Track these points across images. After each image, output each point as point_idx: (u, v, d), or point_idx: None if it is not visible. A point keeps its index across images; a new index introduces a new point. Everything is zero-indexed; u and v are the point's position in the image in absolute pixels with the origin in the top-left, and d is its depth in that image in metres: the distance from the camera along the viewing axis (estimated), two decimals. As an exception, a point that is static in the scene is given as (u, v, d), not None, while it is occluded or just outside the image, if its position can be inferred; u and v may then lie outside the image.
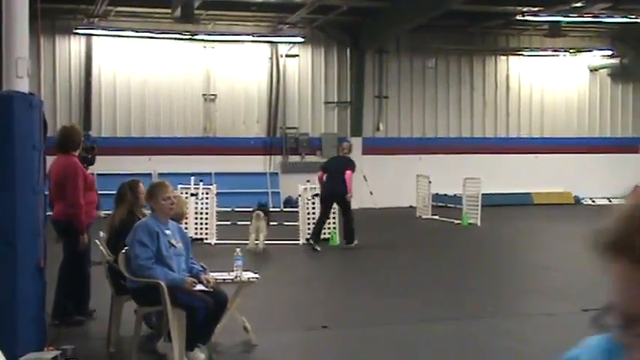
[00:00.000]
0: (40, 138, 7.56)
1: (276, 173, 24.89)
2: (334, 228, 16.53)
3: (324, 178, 16.19)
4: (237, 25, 24.21)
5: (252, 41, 24.50)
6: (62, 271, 8.92)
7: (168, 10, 21.87)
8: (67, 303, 8.77)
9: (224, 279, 7.99)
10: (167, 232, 7.60)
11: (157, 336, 7.87)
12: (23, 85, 7.48)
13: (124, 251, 7.58)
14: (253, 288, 8.27)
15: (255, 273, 8.25)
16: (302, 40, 24.66)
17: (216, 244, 15.95)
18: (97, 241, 8.49)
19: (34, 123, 7.57)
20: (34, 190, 7.52)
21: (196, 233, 16.26)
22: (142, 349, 7.71)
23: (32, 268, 7.46)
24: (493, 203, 21.91)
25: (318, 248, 15.57)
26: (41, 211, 7.65)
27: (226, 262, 8.15)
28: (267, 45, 24.91)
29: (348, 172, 15.95)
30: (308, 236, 16.22)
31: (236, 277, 8.03)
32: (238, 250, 8.20)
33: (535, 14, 22.52)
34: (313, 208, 16.61)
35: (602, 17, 22.49)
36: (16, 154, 7.43)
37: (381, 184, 24.96)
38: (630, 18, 22.51)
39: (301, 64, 25.43)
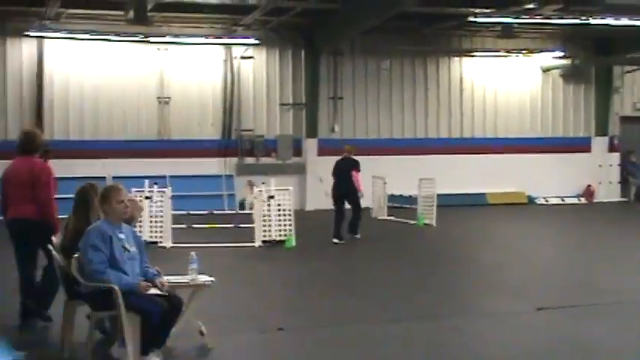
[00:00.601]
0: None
1: (232, 175, 24.80)
2: (290, 231, 16.53)
3: (334, 180, 17.75)
4: (191, 27, 24.05)
5: (207, 43, 24.39)
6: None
7: (122, 13, 21.71)
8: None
9: (179, 282, 7.91)
10: (121, 235, 7.54)
11: (111, 341, 7.81)
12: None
13: (76, 256, 7.50)
14: (208, 291, 8.21)
15: (211, 276, 8.19)
16: (256, 42, 24.57)
17: (171, 247, 15.85)
18: (49, 245, 8.37)
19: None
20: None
21: (151, 237, 16.16)
22: (96, 355, 7.64)
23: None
24: (448, 203, 22.03)
25: (337, 241, 16.95)
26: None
27: (181, 266, 8.08)
28: (221, 47, 24.81)
29: (353, 173, 17.35)
30: (264, 238, 16.29)
31: (191, 280, 7.97)
32: (193, 253, 8.13)
33: (487, 16, 22.68)
34: (268, 210, 16.62)
35: (553, 19, 22.69)
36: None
37: (337, 185, 24.97)
38: (581, 19, 22.76)
39: (256, 66, 25.36)
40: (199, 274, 8.05)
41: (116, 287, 7.12)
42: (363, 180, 22.51)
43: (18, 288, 9.04)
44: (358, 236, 17.60)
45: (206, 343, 8.04)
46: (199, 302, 8.14)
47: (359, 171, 17.55)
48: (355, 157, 17.90)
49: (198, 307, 8.14)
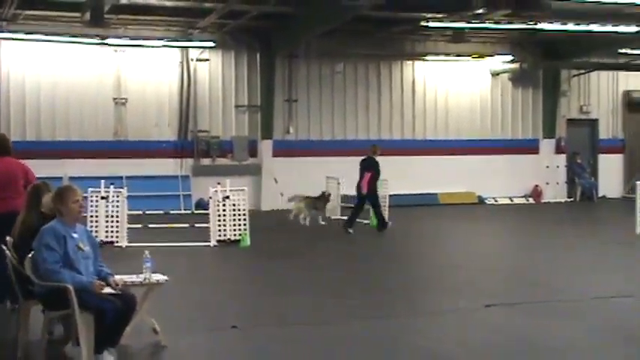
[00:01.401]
0: None
1: (188, 176, 24.67)
2: (245, 230, 16.50)
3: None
4: (147, 29, 23.89)
5: (163, 46, 24.24)
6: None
7: (78, 15, 21.49)
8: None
9: (133, 281, 7.86)
10: (74, 235, 7.49)
11: (64, 340, 7.74)
12: None
13: (30, 255, 7.43)
14: (162, 289, 8.18)
15: (164, 275, 8.16)
16: (212, 44, 24.52)
17: (127, 246, 15.74)
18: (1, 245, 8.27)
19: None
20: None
21: (107, 236, 16.03)
22: (49, 354, 7.57)
23: None
24: (401, 204, 22.15)
25: (351, 231, 18.53)
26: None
27: (137, 265, 8.03)
28: (177, 49, 24.68)
29: (367, 175, 18.71)
30: (219, 238, 16.28)
31: (145, 279, 7.93)
32: (147, 252, 8.09)
33: (439, 20, 22.82)
34: (224, 210, 16.60)
35: (502, 24, 22.91)
36: None
37: (292, 185, 24.97)
38: (529, 24, 23.01)
39: (212, 68, 25.27)
40: (153, 273, 8.01)
41: (70, 286, 7.05)
42: (317, 179, 22.76)
43: None
44: (351, 230, 18.62)
45: (160, 340, 8.01)
46: (153, 301, 8.11)
47: (373, 174, 18.80)
48: (377, 157, 19.17)
49: (152, 305, 8.11)
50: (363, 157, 19.36)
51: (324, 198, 21.07)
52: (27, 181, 9.85)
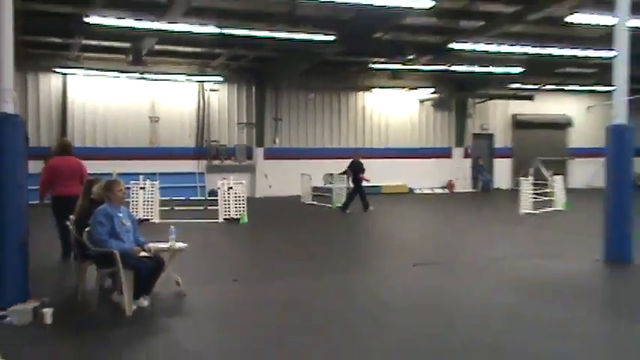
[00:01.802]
0: (22, 147, 7.36)
1: (203, 173, 24.50)
2: (243, 211, 16.40)
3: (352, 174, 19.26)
4: (174, 66, 23.64)
5: (185, 80, 24.04)
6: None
7: (124, 56, 21.31)
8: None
9: (162, 248, 7.79)
10: (119, 214, 7.43)
11: (112, 290, 7.64)
12: (9, 108, 7.17)
13: (87, 229, 7.33)
14: (184, 254, 8.09)
15: (185, 243, 8.07)
16: (221, 79, 24.35)
17: (159, 222, 15.57)
18: (67, 222, 8.15)
19: (18, 136, 7.31)
20: (19, 185, 7.23)
21: (144, 215, 15.87)
22: (102, 299, 7.47)
23: (16, 242, 7.15)
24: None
25: (348, 211, 18.74)
26: (24, 201, 7.34)
27: (165, 236, 7.95)
28: (195, 83, 24.49)
29: (361, 176, 19.19)
30: (225, 216, 16.19)
31: (170, 246, 7.86)
32: (172, 227, 8.01)
33: (381, 63, 22.85)
34: (228, 196, 16.49)
35: (427, 66, 22.95)
36: (4, 159, 7.14)
37: (278, 180, 24.98)
38: (446, 67, 23.08)
39: (220, 96, 25.09)
40: (177, 242, 7.93)
41: (115, 251, 6.98)
42: (295, 176, 22.69)
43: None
44: (348, 211, 18.77)
45: (181, 290, 7.94)
46: (177, 262, 8.03)
47: (363, 173, 19.27)
48: (360, 160, 19.44)
49: (176, 265, 8.02)
50: (351, 160, 19.54)
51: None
52: (82, 175, 9.94)
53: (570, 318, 7.00)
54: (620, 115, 10.30)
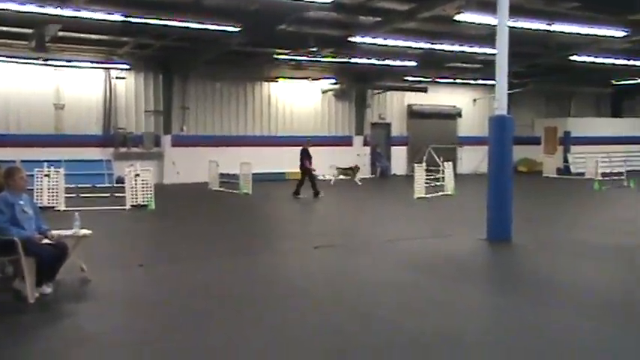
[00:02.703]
0: None
1: (110, 160, 23.71)
2: (150, 198, 16.02)
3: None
4: (80, 54, 22.66)
5: (91, 67, 23.11)
6: None
7: (26, 42, 20.24)
8: None
9: (66, 234, 7.50)
10: (20, 202, 7.06)
11: (13, 277, 7.28)
12: None
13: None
14: (89, 240, 7.83)
15: (90, 230, 7.80)
16: (128, 67, 23.58)
17: (64, 210, 14.95)
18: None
19: None
20: None
21: (49, 202, 15.22)
22: (2, 287, 7.11)
23: None
24: (260, 179, 22.06)
25: (300, 196, 18.77)
26: None
27: (71, 223, 7.66)
28: (102, 70, 23.60)
29: (306, 162, 19.12)
30: (132, 203, 15.76)
31: (74, 232, 7.58)
32: (77, 214, 7.74)
33: (286, 54, 22.85)
34: (135, 184, 16.05)
35: (328, 58, 23.17)
36: None
37: (185, 166, 24.55)
38: (346, 59, 23.36)
39: (128, 83, 24.32)
40: (81, 228, 7.67)
41: (16, 239, 6.65)
42: (203, 163, 22.41)
43: None
44: (300, 196, 18.81)
45: (86, 276, 7.67)
46: (82, 248, 7.76)
47: (308, 159, 19.15)
48: (309, 148, 19.34)
49: (81, 251, 7.74)
50: (302, 148, 19.46)
51: (355, 168, 24.82)
52: None
53: (458, 294, 7.30)
54: (501, 106, 10.81)
